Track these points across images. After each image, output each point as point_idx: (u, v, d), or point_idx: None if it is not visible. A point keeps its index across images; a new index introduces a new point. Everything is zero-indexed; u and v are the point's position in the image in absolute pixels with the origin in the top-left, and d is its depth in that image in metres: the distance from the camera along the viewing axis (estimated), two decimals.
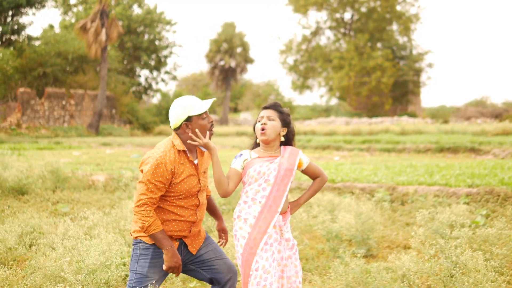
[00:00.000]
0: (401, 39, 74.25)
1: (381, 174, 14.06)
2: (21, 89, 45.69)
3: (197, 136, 4.94)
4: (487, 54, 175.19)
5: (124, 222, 8.42)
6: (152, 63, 65.84)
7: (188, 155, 4.99)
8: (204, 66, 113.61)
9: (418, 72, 72.02)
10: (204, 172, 5.17)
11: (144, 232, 4.82)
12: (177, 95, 64.43)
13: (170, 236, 5.01)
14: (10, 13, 41.74)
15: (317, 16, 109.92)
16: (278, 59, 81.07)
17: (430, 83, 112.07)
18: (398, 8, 72.52)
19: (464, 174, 13.58)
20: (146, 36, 64.05)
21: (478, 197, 11.00)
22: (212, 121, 5.06)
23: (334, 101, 78.32)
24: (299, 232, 9.16)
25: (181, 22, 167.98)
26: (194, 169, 5.03)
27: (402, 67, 70.61)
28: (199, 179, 5.06)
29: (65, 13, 63.75)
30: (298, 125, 49.15)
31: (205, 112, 5.02)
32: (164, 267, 4.87)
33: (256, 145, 5.27)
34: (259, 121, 5.14)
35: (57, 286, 5.80)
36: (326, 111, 71.24)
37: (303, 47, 77.49)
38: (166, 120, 56.60)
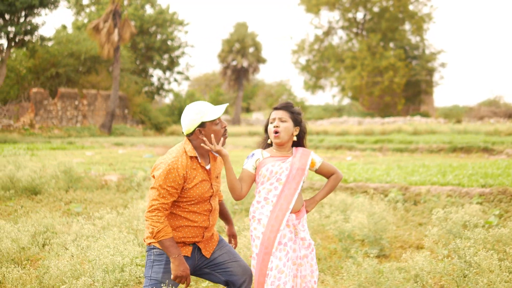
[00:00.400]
0: (414, 39, 74.06)
1: (393, 174, 14.03)
2: (34, 89, 45.82)
3: (210, 142, 4.94)
4: (500, 53, 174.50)
5: (137, 222, 8.44)
6: (165, 63, 65.88)
7: (199, 161, 4.98)
8: (216, 66, 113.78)
9: (430, 71, 71.80)
10: (217, 177, 5.16)
11: (153, 238, 4.81)
12: (190, 95, 64.40)
13: (183, 242, 5.02)
14: (23, 13, 41.82)
15: (329, 16, 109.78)
16: (291, 59, 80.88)
17: (443, 82, 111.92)
18: (411, 7, 72.32)
19: (477, 174, 13.53)
20: (158, 36, 64.10)
21: (491, 197, 10.97)
22: (225, 126, 5.05)
23: (346, 101, 78.23)
24: (312, 232, 9.16)
25: (193, 22, 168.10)
26: (206, 175, 5.03)
27: (414, 66, 70.42)
28: (211, 184, 5.05)
29: (78, 13, 63.91)
30: (310, 125, 49.09)
31: (218, 118, 5.00)
32: (171, 276, 4.85)
33: (267, 145, 5.27)
34: (271, 123, 5.15)
35: (72, 285, 5.81)
36: (339, 111, 71.12)
37: (316, 47, 77.40)
38: (178, 120, 56.62)
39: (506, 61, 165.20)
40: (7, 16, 41.61)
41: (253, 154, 5.20)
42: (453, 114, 61.69)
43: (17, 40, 42.63)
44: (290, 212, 5.04)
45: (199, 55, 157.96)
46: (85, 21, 60.89)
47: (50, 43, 49.07)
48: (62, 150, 27.77)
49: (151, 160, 20.52)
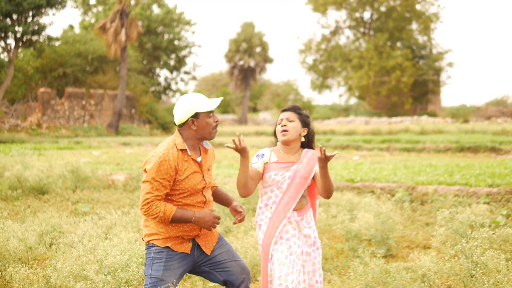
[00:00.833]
0: (421, 38, 73.91)
1: (400, 174, 14.02)
2: (42, 89, 45.89)
3: (203, 133, 5.00)
4: (507, 53, 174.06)
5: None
6: (172, 63, 65.92)
7: (189, 153, 5.01)
8: (223, 66, 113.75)
9: (438, 71, 71.63)
10: (208, 170, 5.19)
11: (164, 222, 4.85)
12: None
13: (181, 237, 5.02)
14: (30, 13, 41.88)
15: (336, 16, 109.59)
16: (297, 59, 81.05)
17: (450, 82, 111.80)
18: (418, 7, 72.17)
19: (484, 173, 13.50)
20: (165, 36, 64.14)
21: (498, 197, 10.95)
22: (217, 120, 5.10)
23: (353, 101, 78.15)
24: (319, 232, 9.15)
25: (200, 22, 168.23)
26: (198, 167, 5.05)
27: (422, 66, 70.26)
28: (203, 176, 5.07)
29: (85, 13, 64.01)
30: (317, 125, 49.08)
31: (212, 111, 5.05)
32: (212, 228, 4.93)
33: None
34: (279, 124, 5.17)
35: (79, 285, 5.82)
36: (346, 111, 71.04)
37: (323, 46, 77.32)
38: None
39: None
40: (14, 16, 41.69)
41: (263, 155, 5.25)
42: (461, 114, 61.46)
43: (24, 40, 42.70)
44: (293, 210, 5.07)
45: (206, 55, 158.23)
46: (92, 21, 60.99)
47: (57, 43, 49.15)
48: (69, 150, 27.82)
49: None
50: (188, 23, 65.53)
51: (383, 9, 72.64)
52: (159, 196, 4.85)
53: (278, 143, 5.26)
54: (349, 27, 76.47)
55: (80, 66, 49.42)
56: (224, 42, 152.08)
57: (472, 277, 6.10)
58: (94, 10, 63.80)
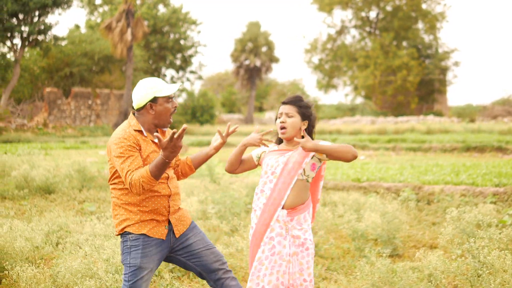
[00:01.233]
0: (427, 38, 73.76)
1: (407, 173, 14.01)
2: (48, 89, 45.98)
3: (161, 120, 5.05)
4: None
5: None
6: (178, 62, 66.00)
7: (145, 134, 5.00)
8: (229, 66, 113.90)
9: (444, 70, 71.50)
10: None
11: (150, 182, 4.72)
12: (203, 94, 64.44)
13: (155, 220, 4.99)
14: (36, 13, 41.98)
15: (342, 15, 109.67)
16: (303, 58, 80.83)
17: (456, 81, 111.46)
18: (424, 6, 72.05)
19: (490, 173, 13.49)
20: (171, 36, 64.22)
21: (505, 196, 10.94)
22: (176, 106, 5.11)
23: (359, 100, 78.03)
24: (325, 232, 9.16)
25: (206, 21, 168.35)
26: (156, 147, 5.04)
27: (428, 65, 70.12)
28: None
29: (91, 13, 64.13)
30: (323, 124, 49.05)
31: (171, 96, 5.06)
32: (172, 144, 4.64)
33: (281, 140, 5.28)
34: (278, 118, 5.14)
35: (87, 283, 5.83)
36: (352, 110, 70.96)
37: (328, 46, 77.27)
38: (191, 120, 56.77)
39: None
40: (20, 16, 41.79)
41: (261, 146, 5.23)
42: (467, 113, 61.35)
43: (30, 39, 42.80)
44: (282, 208, 4.98)
45: (212, 54, 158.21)
46: (98, 20, 61.14)
47: (63, 43, 49.27)
48: (76, 149, 27.86)
49: None
50: (194, 22, 65.60)
51: (389, 8, 72.57)
52: (134, 166, 4.80)
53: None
54: (355, 27, 76.42)
55: (86, 66, 49.52)
56: (230, 41, 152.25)
57: (479, 276, 6.09)
58: (100, 9, 63.92)
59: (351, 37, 78.04)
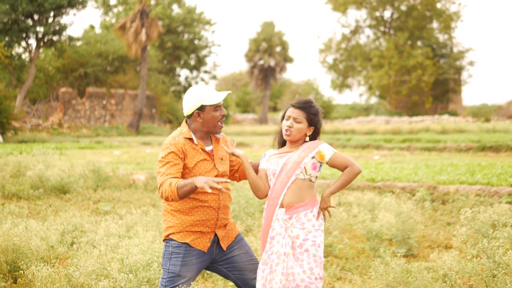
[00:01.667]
0: (442, 37, 73.50)
1: (421, 173, 13.96)
2: (63, 89, 46.16)
3: (210, 126, 5.09)
4: None
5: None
6: (192, 62, 66.07)
7: (196, 142, 5.03)
8: (243, 66, 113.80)
9: (459, 70, 71.23)
10: (222, 159, 5.18)
11: (174, 197, 4.72)
12: None
13: (200, 232, 5.01)
14: (51, 13, 42.14)
15: (357, 15, 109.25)
16: (318, 58, 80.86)
17: (471, 81, 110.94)
18: (438, 6, 71.80)
19: (506, 173, 13.42)
20: (185, 36, 64.29)
21: None
22: (224, 114, 5.11)
23: (374, 100, 77.92)
24: (340, 232, 9.15)
25: (220, 21, 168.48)
26: (207, 155, 5.06)
27: (442, 65, 69.88)
28: (214, 164, 5.07)
29: (106, 13, 64.30)
30: (337, 124, 48.98)
31: (219, 104, 5.06)
32: (208, 186, 4.59)
33: (284, 143, 5.25)
34: (286, 120, 5.10)
35: (101, 283, 5.84)
36: (366, 110, 70.86)
37: (343, 45, 77.14)
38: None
39: None
40: (36, 17, 41.97)
41: (264, 155, 5.27)
42: (482, 113, 61.05)
43: (45, 40, 42.98)
44: (281, 206, 4.98)
45: (226, 54, 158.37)
46: (113, 21, 61.33)
47: (78, 43, 49.43)
48: (90, 149, 27.94)
49: None
50: (208, 22, 65.67)
51: (403, 8, 72.37)
52: (171, 175, 4.83)
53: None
54: (369, 26, 76.26)
55: (101, 66, 49.67)
56: (244, 41, 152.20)
57: (494, 277, 6.07)
58: (115, 10, 64.07)
59: (365, 36, 77.96)
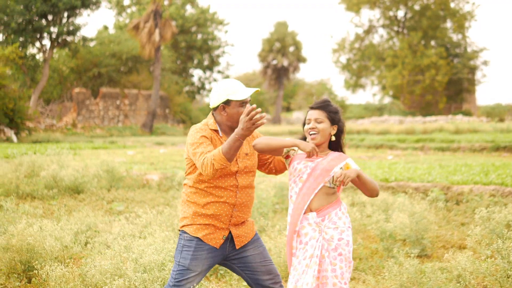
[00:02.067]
0: (455, 37, 73.22)
1: (435, 173, 13.92)
2: (77, 89, 46.36)
3: (236, 120, 5.01)
4: None
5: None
6: (205, 62, 66.14)
7: (220, 134, 5.02)
8: (257, 66, 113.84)
9: (473, 70, 70.92)
10: (246, 154, 5.12)
11: (223, 162, 4.68)
12: None
13: (213, 225, 4.99)
14: (65, 14, 42.31)
15: (370, 14, 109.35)
16: (331, 58, 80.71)
17: (485, 81, 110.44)
18: (452, 5, 71.55)
19: None
20: (199, 36, 64.37)
21: None
22: (255, 110, 4.73)
23: (387, 100, 77.73)
24: (353, 232, 9.13)
25: (233, 21, 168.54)
26: None
27: (456, 65, 69.59)
28: (236, 159, 5.02)
29: (119, 14, 64.48)
30: (351, 124, 48.91)
31: (245, 100, 5.02)
32: (250, 123, 4.60)
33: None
34: (307, 124, 5.03)
35: (116, 282, 5.86)
36: (379, 110, 70.68)
37: (356, 45, 76.99)
38: None
39: None
40: (50, 17, 42.16)
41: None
42: (496, 113, 60.84)
43: (59, 40, 43.15)
44: (310, 211, 4.91)
45: (240, 54, 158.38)
46: (127, 21, 61.44)
47: (92, 44, 49.58)
48: (104, 149, 28.03)
49: None
50: (221, 23, 65.74)
51: (417, 7, 72.15)
52: (210, 152, 4.81)
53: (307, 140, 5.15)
54: (383, 26, 76.07)
55: (114, 66, 49.84)
56: (257, 41, 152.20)
57: (508, 277, 6.05)
58: (128, 10, 64.24)
59: (379, 36, 77.75)
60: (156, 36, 45.60)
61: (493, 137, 28.09)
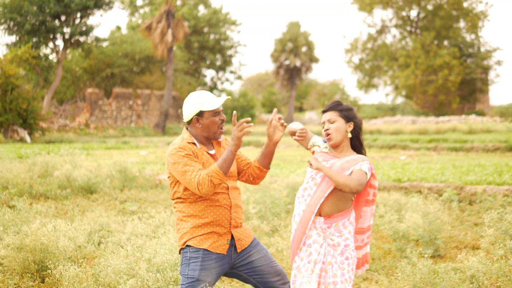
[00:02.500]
0: (469, 37, 72.96)
1: (448, 174, 13.89)
2: (89, 90, 46.49)
3: (209, 131, 5.11)
4: None
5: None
6: (218, 63, 66.21)
7: (198, 146, 5.05)
8: (269, 66, 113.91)
9: (486, 69, 70.65)
10: None
11: (220, 177, 4.79)
12: (243, 94, 64.67)
13: (216, 232, 5.01)
14: (78, 14, 42.45)
15: (383, 14, 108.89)
16: (344, 58, 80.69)
17: (499, 80, 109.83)
18: (465, 5, 71.30)
19: None
20: (211, 36, 64.44)
21: None
22: (223, 119, 5.12)
23: (400, 100, 77.54)
24: None
25: (246, 21, 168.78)
26: (211, 158, 5.08)
27: (469, 65, 69.36)
28: None
29: (132, 14, 64.65)
30: (363, 124, 48.49)
31: (218, 110, 5.09)
32: (240, 135, 4.77)
33: None
34: (322, 127, 5.03)
35: (130, 282, 5.87)
36: (392, 110, 70.54)
37: (369, 45, 76.84)
38: (230, 120, 56.96)
39: None
40: (62, 17, 42.29)
41: (317, 141, 5.17)
42: (509, 113, 60.62)
43: (72, 41, 43.28)
44: (320, 215, 4.89)
45: (252, 54, 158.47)
46: (139, 21, 61.61)
47: (105, 44, 49.72)
48: (117, 149, 28.08)
49: None
50: (233, 23, 65.84)
51: (430, 7, 71.95)
52: (200, 168, 4.87)
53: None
54: (396, 26, 75.91)
55: (127, 67, 49.97)
56: (270, 41, 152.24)
57: None
58: (141, 11, 64.39)
59: (391, 36, 77.56)
60: (169, 36, 45.67)
61: (507, 137, 27.97)
